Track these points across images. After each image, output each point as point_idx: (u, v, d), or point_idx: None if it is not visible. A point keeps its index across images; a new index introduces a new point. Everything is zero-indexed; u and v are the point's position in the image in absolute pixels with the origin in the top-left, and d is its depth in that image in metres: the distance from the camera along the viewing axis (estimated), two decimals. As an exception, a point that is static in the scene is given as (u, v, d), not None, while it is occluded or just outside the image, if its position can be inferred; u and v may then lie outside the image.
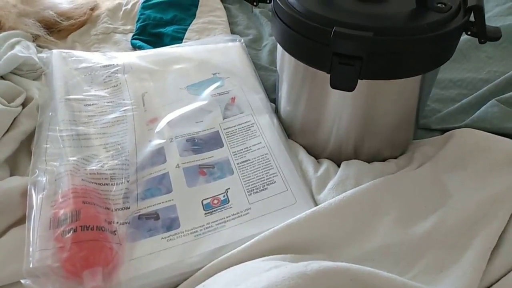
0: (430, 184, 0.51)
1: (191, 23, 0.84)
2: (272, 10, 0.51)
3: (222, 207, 0.50)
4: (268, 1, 0.54)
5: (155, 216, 0.49)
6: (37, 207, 0.47)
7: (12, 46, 0.68)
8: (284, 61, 0.54)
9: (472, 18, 0.47)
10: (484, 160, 0.52)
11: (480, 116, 0.60)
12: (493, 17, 0.79)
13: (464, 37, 0.48)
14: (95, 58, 0.69)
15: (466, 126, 0.59)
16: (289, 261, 0.41)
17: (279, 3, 0.48)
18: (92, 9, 0.90)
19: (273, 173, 0.54)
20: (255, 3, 0.55)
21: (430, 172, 0.52)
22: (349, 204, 0.47)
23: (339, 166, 0.54)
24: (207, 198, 0.51)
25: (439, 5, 0.46)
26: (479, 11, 0.46)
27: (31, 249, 0.43)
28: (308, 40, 0.46)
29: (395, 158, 0.57)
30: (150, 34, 0.81)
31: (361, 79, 0.45)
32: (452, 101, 0.65)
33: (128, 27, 0.87)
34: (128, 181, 0.51)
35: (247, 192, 0.52)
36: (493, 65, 0.70)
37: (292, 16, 0.47)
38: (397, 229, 0.46)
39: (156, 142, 0.56)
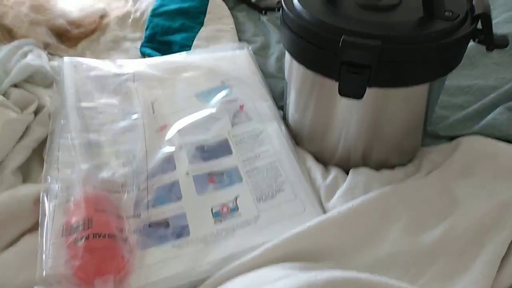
0: (439, 191, 0.51)
1: (199, 30, 0.85)
2: (280, 18, 0.52)
3: (231, 214, 0.51)
4: (276, 10, 0.54)
5: (165, 224, 0.50)
6: (50, 214, 0.48)
7: (24, 55, 0.69)
8: (292, 68, 0.55)
9: (479, 26, 0.47)
10: (493, 167, 0.52)
11: (488, 123, 0.59)
12: (500, 23, 0.79)
13: (471, 44, 0.48)
14: (106, 66, 0.70)
15: (474, 133, 0.58)
16: (298, 268, 0.41)
17: (288, 11, 0.49)
18: (101, 17, 0.92)
19: (282, 181, 0.54)
20: (263, 12, 0.55)
21: (438, 179, 0.52)
22: (358, 212, 0.47)
23: (347, 173, 0.55)
24: (216, 206, 0.52)
25: (446, 13, 0.46)
26: (487, 19, 0.46)
27: (44, 257, 0.44)
28: (316, 49, 0.47)
29: (403, 165, 0.57)
30: (159, 42, 0.82)
31: (370, 87, 0.46)
32: (460, 108, 0.65)
33: (137, 34, 0.87)
34: (138, 189, 0.52)
35: (256, 199, 0.52)
36: (501, 71, 0.70)
37: (300, 25, 0.47)
38: (406, 237, 0.46)
39: (166, 149, 0.57)
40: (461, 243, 0.46)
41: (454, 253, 0.45)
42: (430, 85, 0.49)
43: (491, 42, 0.47)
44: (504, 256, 0.45)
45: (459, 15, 0.46)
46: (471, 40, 0.48)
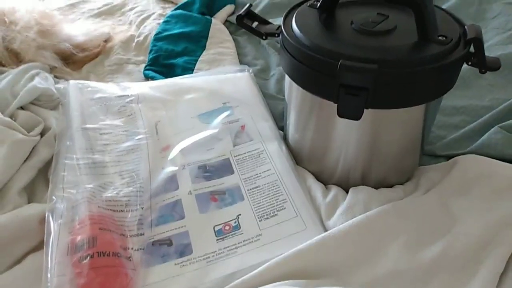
0: (436, 209, 0.52)
1: (201, 54, 0.87)
2: (280, 43, 0.54)
3: (233, 233, 0.51)
4: (276, 35, 0.56)
5: (168, 242, 0.50)
6: (55, 233, 0.49)
7: (31, 78, 0.71)
8: (292, 91, 0.56)
9: (472, 49, 0.49)
10: (489, 186, 0.53)
11: (483, 142, 0.61)
12: (493, 46, 0.81)
13: (465, 65, 0.50)
14: (110, 88, 0.72)
15: (470, 152, 0.60)
16: (300, 286, 0.42)
17: (287, 37, 0.51)
18: (105, 41, 0.94)
19: (283, 199, 0.55)
20: (264, 37, 0.57)
21: (436, 197, 0.53)
22: (359, 229, 0.48)
23: (347, 192, 0.56)
24: (218, 224, 0.52)
25: (440, 37, 0.48)
26: (479, 43, 0.48)
27: (49, 275, 0.45)
28: (315, 72, 0.49)
29: (402, 184, 0.58)
30: (162, 65, 0.84)
31: (367, 108, 0.47)
32: (456, 127, 0.67)
33: (141, 58, 0.90)
34: (142, 208, 0.53)
35: (258, 218, 0.53)
36: (495, 92, 0.72)
37: (299, 49, 0.49)
38: (406, 255, 0.47)
39: (169, 169, 0.58)
40: (459, 261, 0.46)
41: (453, 270, 0.46)
42: (426, 106, 0.51)
43: (484, 65, 0.48)
44: (502, 273, 0.45)
45: (452, 39, 0.48)
46: (465, 63, 0.50)
